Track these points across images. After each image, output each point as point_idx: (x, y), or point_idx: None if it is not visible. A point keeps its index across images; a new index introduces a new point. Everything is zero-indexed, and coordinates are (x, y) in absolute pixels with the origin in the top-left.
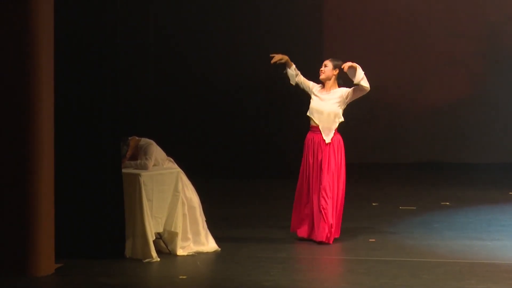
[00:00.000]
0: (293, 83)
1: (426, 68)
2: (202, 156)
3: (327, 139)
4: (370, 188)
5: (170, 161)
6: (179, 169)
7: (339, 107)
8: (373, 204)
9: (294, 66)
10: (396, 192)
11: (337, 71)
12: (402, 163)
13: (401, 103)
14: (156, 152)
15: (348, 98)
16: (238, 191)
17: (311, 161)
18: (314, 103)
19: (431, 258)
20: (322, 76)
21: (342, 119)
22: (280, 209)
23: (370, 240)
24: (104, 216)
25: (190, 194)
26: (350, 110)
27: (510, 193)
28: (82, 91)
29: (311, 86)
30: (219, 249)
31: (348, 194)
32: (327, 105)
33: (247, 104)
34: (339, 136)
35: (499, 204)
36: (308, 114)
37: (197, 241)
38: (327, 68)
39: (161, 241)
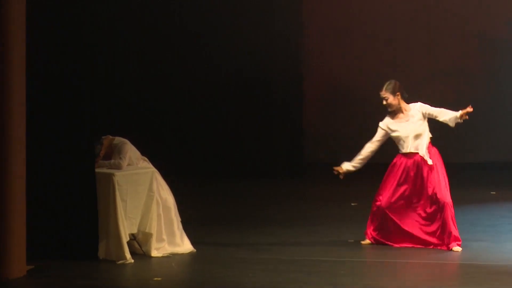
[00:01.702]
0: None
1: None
2: (178, 155)
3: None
4: (349, 188)
5: (145, 160)
6: (154, 169)
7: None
8: (352, 204)
9: (354, 164)
10: (375, 192)
11: (399, 94)
12: (383, 162)
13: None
14: (131, 151)
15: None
16: (214, 191)
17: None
18: (399, 132)
19: (413, 259)
20: (391, 109)
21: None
22: (258, 209)
23: (349, 240)
24: (77, 217)
25: (165, 194)
26: (333, 108)
27: (492, 192)
28: (55, 90)
29: (384, 132)
30: (195, 250)
31: (327, 194)
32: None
33: (226, 103)
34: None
35: (483, 204)
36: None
37: (172, 242)
38: (390, 100)
39: (135, 242)
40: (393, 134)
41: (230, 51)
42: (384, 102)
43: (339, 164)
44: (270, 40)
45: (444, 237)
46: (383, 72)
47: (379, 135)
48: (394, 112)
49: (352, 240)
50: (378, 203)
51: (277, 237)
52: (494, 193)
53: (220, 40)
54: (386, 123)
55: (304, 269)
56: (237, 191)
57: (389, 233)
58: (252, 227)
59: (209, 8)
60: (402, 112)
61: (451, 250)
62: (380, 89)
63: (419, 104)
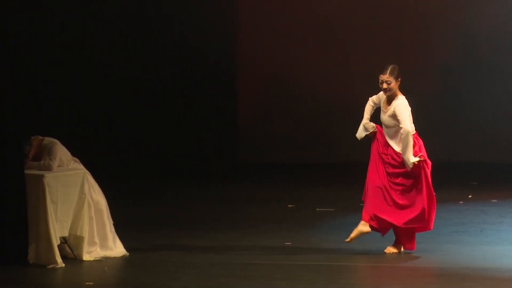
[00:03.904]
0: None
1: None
2: (109, 156)
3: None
4: (285, 189)
5: (76, 161)
6: (85, 170)
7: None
8: (289, 206)
9: (368, 119)
10: (312, 193)
11: (400, 79)
12: (316, 163)
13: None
14: (61, 152)
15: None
16: (146, 192)
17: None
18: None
19: (349, 262)
20: (388, 94)
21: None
22: (190, 212)
23: (286, 243)
24: (6, 219)
25: (97, 196)
26: (269, 105)
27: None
28: None
29: (376, 102)
30: (128, 253)
31: (263, 196)
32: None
33: (156, 102)
34: None
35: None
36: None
37: (105, 245)
38: (392, 85)
39: (66, 245)
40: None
41: (162, 49)
42: (385, 86)
43: (273, 164)
44: (201, 36)
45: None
46: (322, 69)
47: (372, 105)
48: (388, 97)
49: (289, 243)
50: None
51: (211, 241)
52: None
53: (150, 36)
54: (379, 98)
55: (237, 272)
56: (169, 193)
57: None
58: (185, 230)
59: (138, 3)
60: (393, 99)
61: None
62: (382, 72)
63: (401, 101)
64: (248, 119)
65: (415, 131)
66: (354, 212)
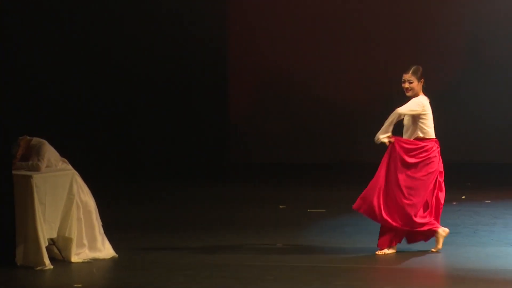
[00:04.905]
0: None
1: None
2: (98, 157)
3: None
4: (277, 190)
5: (64, 162)
6: (74, 171)
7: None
8: (281, 207)
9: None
10: (304, 194)
11: (423, 80)
12: (310, 163)
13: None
14: (49, 152)
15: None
16: (136, 193)
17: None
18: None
19: (342, 263)
20: (410, 93)
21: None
22: (181, 212)
23: (277, 244)
24: None
25: (85, 197)
26: (261, 106)
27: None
28: None
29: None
30: (117, 255)
31: (254, 196)
32: None
33: (147, 102)
34: None
35: None
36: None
37: (93, 247)
38: (414, 84)
39: (54, 247)
40: (422, 118)
41: (153, 50)
42: (407, 85)
43: (264, 165)
44: (192, 38)
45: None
46: (314, 70)
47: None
48: (411, 98)
49: (280, 244)
50: None
51: (202, 242)
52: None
53: (140, 38)
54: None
55: (229, 274)
56: (160, 193)
57: None
58: (175, 231)
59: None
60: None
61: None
62: (406, 71)
63: (419, 99)
64: (239, 120)
65: (434, 136)
66: (346, 213)
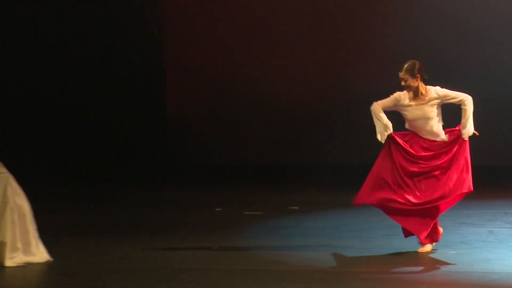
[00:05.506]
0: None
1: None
2: (34, 160)
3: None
4: (213, 192)
5: None
6: (8, 174)
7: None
8: (217, 209)
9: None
10: (240, 196)
11: (419, 75)
12: (243, 165)
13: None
14: None
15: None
16: (74, 196)
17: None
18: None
19: (278, 266)
20: (408, 91)
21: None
22: (120, 215)
23: (214, 248)
24: None
25: (20, 200)
26: (197, 107)
27: None
28: None
29: (394, 102)
30: (52, 259)
31: (189, 199)
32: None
33: (85, 103)
34: None
35: (350, 209)
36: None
37: (27, 251)
38: (409, 82)
39: None
40: (403, 112)
41: (89, 48)
42: (403, 83)
43: (200, 167)
44: (129, 35)
45: None
46: (253, 69)
47: (387, 105)
48: (412, 94)
49: (217, 247)
50: None
51: (135, 245)
52: None
53: (76, 34)
54: (401, 97)
55: (163, 278)
56: (99, 196)
57: None
58: (115, 234)
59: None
60: (419, 95)
61: None
62: (399, 69)
63: (437, 87)
64: (175, 122)
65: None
66: (283, 216)
